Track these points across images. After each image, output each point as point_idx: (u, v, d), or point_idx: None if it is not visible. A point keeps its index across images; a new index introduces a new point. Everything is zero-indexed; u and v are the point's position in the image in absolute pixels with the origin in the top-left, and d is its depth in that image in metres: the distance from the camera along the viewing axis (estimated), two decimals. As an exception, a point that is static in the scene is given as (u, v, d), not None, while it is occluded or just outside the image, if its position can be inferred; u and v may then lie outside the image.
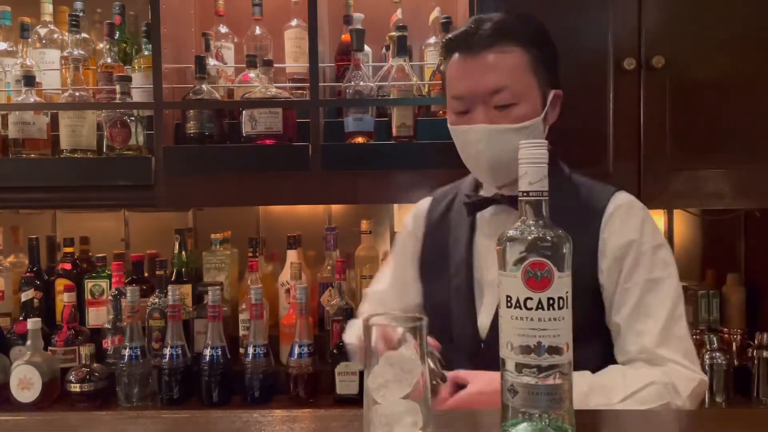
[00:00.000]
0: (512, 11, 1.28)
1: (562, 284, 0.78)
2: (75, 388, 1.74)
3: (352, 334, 1.46)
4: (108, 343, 1.87)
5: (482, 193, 1.30)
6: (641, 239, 1.19)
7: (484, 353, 1.19)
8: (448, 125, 1.26)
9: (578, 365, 0.92)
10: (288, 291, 1.94)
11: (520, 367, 0.78)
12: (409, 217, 1.44)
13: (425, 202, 1.42)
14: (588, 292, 1.19)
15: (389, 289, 1.44)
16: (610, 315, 1.20)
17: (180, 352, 1.77)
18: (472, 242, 1.28)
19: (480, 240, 1.28)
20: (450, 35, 1.26)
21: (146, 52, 1.90)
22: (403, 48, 1.80)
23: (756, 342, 1.79)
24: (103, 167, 1.81)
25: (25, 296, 1.91)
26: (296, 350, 1.78)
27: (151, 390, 1.77)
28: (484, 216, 1.28)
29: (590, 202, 1.24)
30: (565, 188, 1.27)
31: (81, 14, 1.93)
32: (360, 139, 1.80)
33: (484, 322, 1.22)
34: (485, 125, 1.18)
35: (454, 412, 0.96)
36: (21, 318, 1.89)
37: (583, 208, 1.24)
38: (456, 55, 1.22)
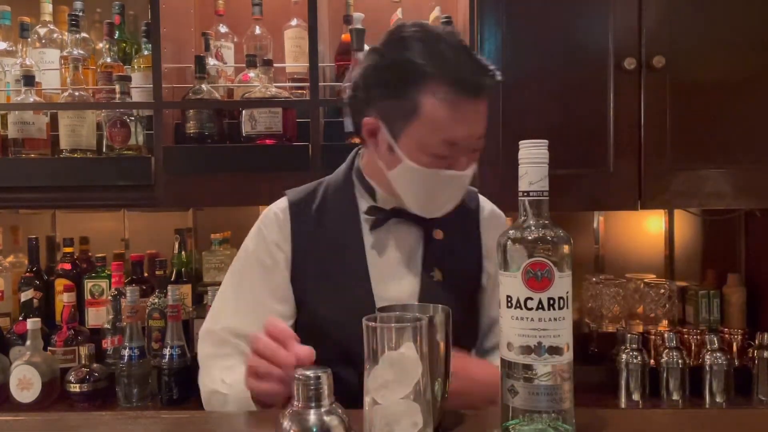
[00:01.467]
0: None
1: (562, 284, 0.78)
2: (75, 388, 1.74)
3: (216, 379, 1.15)
4: (108, 343, 1.86)
5: (376, 204, 1.24)
6: None
7: None
8: (413, 165, 1.12)
9: None
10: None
11: (520, 368, 0.78)
12: (268, 223, 1.25)
13: (282, 208, 1.26)
14: (475, 293, 1.26)
15: (273, 304, 1.21)
16: (489, 310, 1.26)
17: (180, 352, 1.76)
18: (364, 254, 1.21)
19: (376, 252, 1.22)
20: (431, 62, 1.08)
21: (146, 52, 1.90)
22: (403, 48, 1.80)
23: (756, 342, 1.79)
24: (103, 167, 1.80)
25: (24, 296, 1.91)
26: (296, 350, 1.77)
27: (150, 390, 1.77)
28: (382, 229, 1.22)
29: (464, 205, 1.26)
30: None
31: (81, 14, 1.93)
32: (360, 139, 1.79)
33: None
34: (470, 171, 1.15)
35: (454, 412, 0.95)
36: (20, 318, 1.89)
37: (463, 211, 1.26)
38: (445, 92, 1.08)
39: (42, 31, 1.97)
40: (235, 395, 1.08)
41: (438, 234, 1.23)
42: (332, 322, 1.17)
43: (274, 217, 1.25)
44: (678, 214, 2.17)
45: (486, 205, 1.32)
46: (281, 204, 1.27)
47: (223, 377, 1.13)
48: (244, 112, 1.81)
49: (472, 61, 1.10)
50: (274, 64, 1.88)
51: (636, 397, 1.76)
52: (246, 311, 1.20)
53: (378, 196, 1.24)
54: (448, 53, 1.09)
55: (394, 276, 1.21)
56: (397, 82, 1.10)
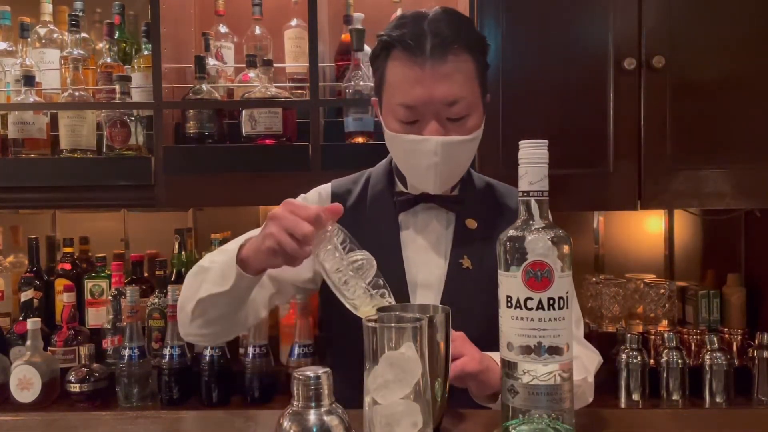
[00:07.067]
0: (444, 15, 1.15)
1: (562, 284, 0.78)
2: (75, 388, 1.74)
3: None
4: (108, 343, 1.86)
5: (405, 190, 1.26)
6: None
7: None
8: (387, 131, 1.18)
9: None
10: (288, 291, 1.93)
11: (520, 368, 0.78)
12: (313, 195, 1.30)
13: (326, 189, 1.31)
14: None
15: None
16: None
17: (180, 352, 1.77)
18: (399, 241, 1.23)
19: (409, 238, 1.23)
20: (393, 33, 1.13)
21: (146, 52, 1.90)
22: (403, 48, 1.80)
23: (756, 342, 1.79)
24: (103, 167, 1.80)
25: (24, 296, 1.90)
26: (296, 350, 1.78)
27: (150, 390, 1.77)
28: (410, 214, 1.24)
29: (503, 201, 1.28)
30: (481, 188, 1.30)
31: (81, 14, 1.93)
32: (360, 139, 1.80)
33: None
34: (442, 138, 1.13)
35: (454, 412, 0.95)
36: (21, 318, 1.89)
37: (501, 207, 1.28)
38: (402, 57, 1.12)
39: (42, 31, 1.97)
40: (218, 266, 1.07)
41: (471, 223, 1.23)
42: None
43: (317, 196, 1.29)
44: (678, 214, 2.17)
45: None
46: (326, 187, 1.31)
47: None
48: (244, 112, 1.81)
49: (432, 26, 1.11)
50: (274, 64, 1.88)
51: (636, 397, 1.76)
52: None
53: (408, 182, 1.24)
54: (411, 23, 1.13)
55: (424, 261, 1.22)
56: (373, 57, 1.19)
